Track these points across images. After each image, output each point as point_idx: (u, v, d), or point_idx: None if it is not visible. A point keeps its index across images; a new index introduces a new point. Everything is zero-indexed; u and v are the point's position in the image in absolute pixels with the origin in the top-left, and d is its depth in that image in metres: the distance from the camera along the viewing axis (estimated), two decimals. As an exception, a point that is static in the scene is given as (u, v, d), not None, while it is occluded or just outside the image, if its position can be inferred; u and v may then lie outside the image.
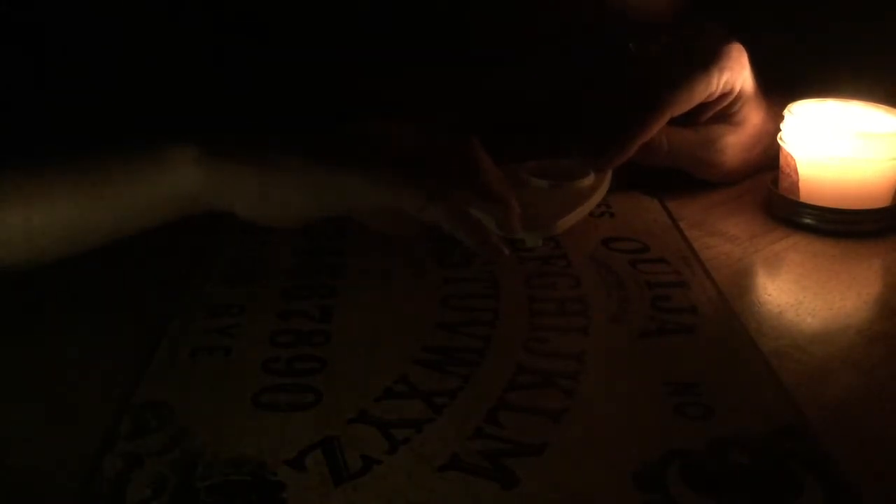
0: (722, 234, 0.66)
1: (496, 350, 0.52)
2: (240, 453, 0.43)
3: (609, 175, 0.66)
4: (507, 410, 0.46)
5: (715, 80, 0.67)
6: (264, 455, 0.42)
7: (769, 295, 0.59)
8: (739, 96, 0.69)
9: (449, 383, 0.48)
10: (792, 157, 0.68)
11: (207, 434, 0.44)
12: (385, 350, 0.52)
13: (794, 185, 0.68)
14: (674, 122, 0.68)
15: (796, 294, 0.58)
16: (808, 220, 0.67)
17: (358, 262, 0.62)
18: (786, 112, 0.68)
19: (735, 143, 0.71)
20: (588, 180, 0.64)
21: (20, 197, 0.49)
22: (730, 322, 0.55)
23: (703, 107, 0.69)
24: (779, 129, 0.69)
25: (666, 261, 0.62)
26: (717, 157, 0.71)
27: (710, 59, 0.67)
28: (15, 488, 0.41)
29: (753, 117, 0.71)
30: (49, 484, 0.41)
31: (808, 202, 0.67)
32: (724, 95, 0.69)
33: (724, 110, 0.70)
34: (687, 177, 0.72)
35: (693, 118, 0.70)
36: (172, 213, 0.52)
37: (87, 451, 0.43)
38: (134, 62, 0.73)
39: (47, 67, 0.69)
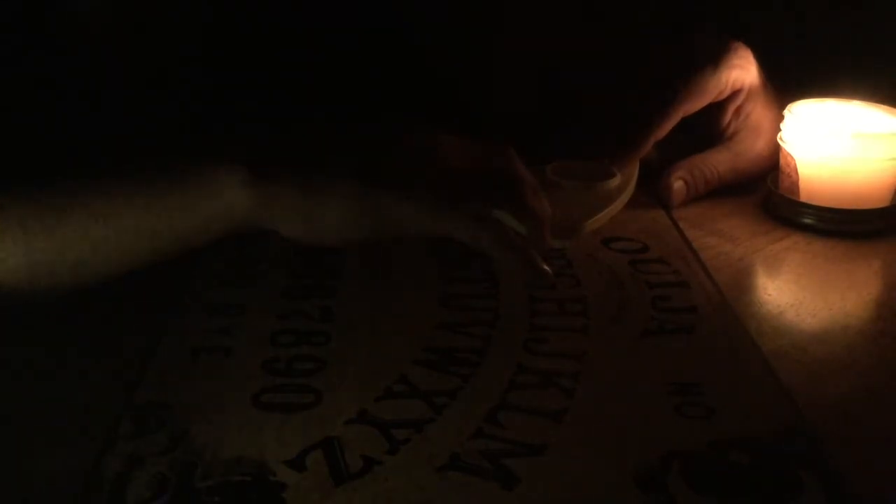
0: (722, 234, 0.66)
1: (496, 350, 0.52)
2: (240, 453, 0.43)
3: (635, 176, 0.67)
4: (507, 410, 0.46)
5: (724, 78, 0.68)
6: (264, 455, 0.42)
7: (769, 295, 0.59)
8: (749, 93, 0.70)
9: (449, 383, 0.48)
10: (792, 157, 0.68)
11: (207, 434, 0.44)
12: (385, 350, 0.52)
13: (794, 185, 0.68)
14: (702, 139, 0.71)
15: (796, 294, 0.58)
16: (807, 220, 0.67)
17: (358, 262, 0.62)
18: (786, 112, 0.69)
19: (764, 147, 0.72)
20: (615, 181, 0.65)
21: (66, 221, 0.48)
22: (730, 322, 0.55)
23: (718, 109, 0.70)
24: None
25: (666, 261, 0.62)
26: (757, 165, 0.72)
27: (717, 57, 0.69)
28: (15, 489, 0.41)
29: (769, 115, 0.71)
30: (49, 484, 0.41)
31: (808, 202, 0.67)
32: (734, 94, 0.70)
33: (738, 110, 0.71)
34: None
35: (716, 128, 0.72)
36: (216, 234, 0.51)
37: (88, 452, 0.43)
38: (173, 65, 0.73)
39: (84, 83, 0.69)
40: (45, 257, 0.48)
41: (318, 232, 0.52)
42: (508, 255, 0.51)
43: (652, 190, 0.71)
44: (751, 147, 0.72)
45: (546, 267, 0.52)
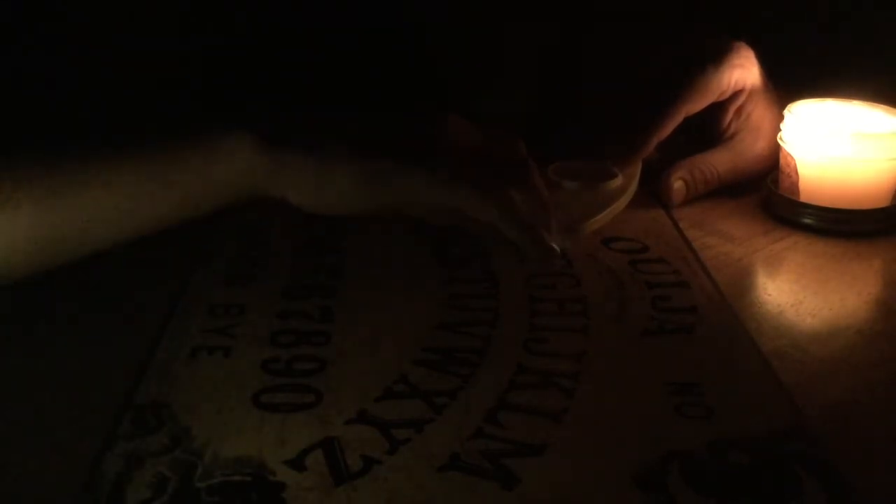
0: (722, 234, 0.66)
1: (496, 350, 0.52)
2: (240, 453, 0.43)
3: (637, 177, 0.67)
4: (507, 410, 0.46)
5: (726, 78, 0.68)
6: (264, 455, 0.42)
7: (769, 295, 0.59)
8: (751, 94, 0.70)
9: (449, 383, 0.48)
10: (792, 157, 0.68)
11: (207, 434, 0.44)
12: (385, 350, 0.52)
13: (794, 185, 0.68)
14: (702, 139, 0.71)
15: (796, 294, 0.58)
16: (808, 220, 0.67)
17: (358, 262, 0.62)
18: (786, 112, 0.69)
19: (765, 147, 0.72)
20: (616, 182, 0.65)
21: (79, 185, 0.48)
22: (730, 322, 0.55)
23: (719, 109, 0.70)
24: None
25: (666, 261, 0.62)
26: (757, 166, 0.72)
27: (719, 57, 0.69)
28: (15, 489, 0.41)
29: (769, 115, 0.71)
30: (49, 484, 0.41)
31: (808, 202, 0.67)
32: (736, 94, 0.70)
33: (739, 110, 0.71)
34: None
35: (716, 128, 0.72)
36: (225, 201, 0.51)
37: (87, 452, 0.43)
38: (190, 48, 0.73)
39: (96, 57, 0.69)
40: (54, 222, 0.48)
41: (327, 199, 0.52)
42: (515, 229, 0.51)
43: (652, 190, 0.71)
44: (751, 147, 0.72)
45: (553, 245, 0.52)
